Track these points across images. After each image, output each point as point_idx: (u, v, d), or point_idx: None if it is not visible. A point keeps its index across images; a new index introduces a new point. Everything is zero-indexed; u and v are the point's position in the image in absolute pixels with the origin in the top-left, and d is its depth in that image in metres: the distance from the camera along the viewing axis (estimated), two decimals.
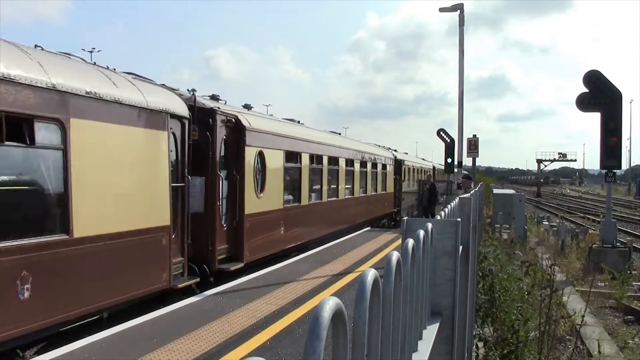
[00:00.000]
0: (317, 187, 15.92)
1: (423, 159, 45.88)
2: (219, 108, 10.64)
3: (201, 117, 9.95)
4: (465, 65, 20.38)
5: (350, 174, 19.06)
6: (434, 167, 40.37)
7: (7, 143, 5.77)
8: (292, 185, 14.03)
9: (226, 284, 9.36)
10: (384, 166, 24.54)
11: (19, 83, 5.87)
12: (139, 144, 8.00)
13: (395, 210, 26.62)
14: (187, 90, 10.37)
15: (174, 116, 8.82)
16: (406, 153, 35.37)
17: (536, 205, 46.05)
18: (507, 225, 19.30)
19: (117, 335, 6.26)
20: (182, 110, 9.17)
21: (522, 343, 5.94)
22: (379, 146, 26.90)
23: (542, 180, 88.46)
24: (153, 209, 8.29)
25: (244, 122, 11.27)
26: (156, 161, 8.38)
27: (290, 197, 13.93)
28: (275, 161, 12.69)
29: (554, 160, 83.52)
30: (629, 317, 10.69)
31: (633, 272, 14.30)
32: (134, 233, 7.76)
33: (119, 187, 7.51)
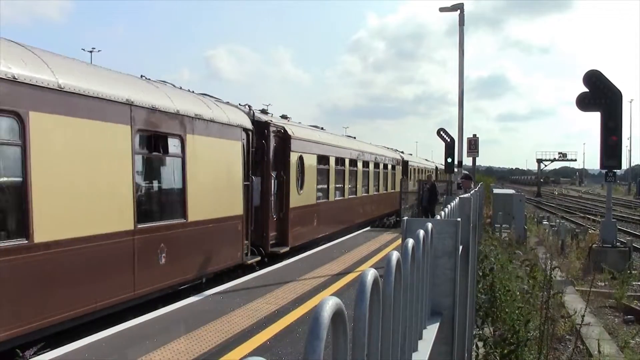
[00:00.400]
0: (340, 185, 18.29)
1: (426, 160, 47.79)
2: (271, 121, 13.11)
3: (258, 128, 12.26)
4: (465, 65, 20.39)
5: (366, 175, 21.57)
6: (436, 168, 41.33)
7: (153, 153, 8.43)
8: (322, 184, 16.34)
9: (226, 283, 9.38)
10: (393, 167, 27.03)
11: (160, 111, 8.42)
12: (225, 151, 10.52)
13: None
14: (239, 104, 12.58)
15: (244, 129, 11.34)
16: (410, 154, 37.93)
17: (536, 205, 46.02)
18: (507, 225, 19.29)
19: (117, 335, 6.27)
20: (248, 124, 11.65)
21: (522, 343, 5.93)
22: (388, 148, 29.34)
23: (542, 180, 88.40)
24: (233, 201, 10.81)
25: (290, 132, 13.66)
26: (235, 165, 10.89)
27: (320, 194, 16.23)
28: (310, 164, 15.10)
29: (554, 160, 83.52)
30: (629, 316, 10.68)
31: (633, 271, 14.29)
32: (223, 220, 10.32)
33: (215, 184, 10.05)
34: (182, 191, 8.96)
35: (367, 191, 21.81)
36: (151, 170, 8.69)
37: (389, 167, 25.88)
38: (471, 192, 7.19)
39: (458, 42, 20.14)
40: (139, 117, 7.89)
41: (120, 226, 7.43)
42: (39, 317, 6.18)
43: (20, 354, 5.52)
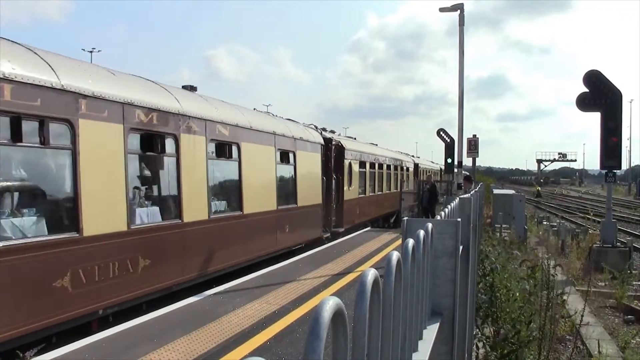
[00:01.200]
0: (372, 183, 23.31)
1: (432, 162, 51.66)
2: (332, 138, 18.40)
3: (324, 142, 17.10)
4: (465, 65, 20.33)
5: (388, 175, 26.65)
6: (441, 169, 43.39)
7: (282, 163, 13.34)
8: (361, 183, 21.18)
9: (226, 284, 9.38)
10: (407, 169, 32.39)
11: (286, 136, 13.60)
12: (312, 160, 15.70)
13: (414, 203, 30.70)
14: (303, 123, 17.15)
15: (320, 144, 16.57)
16: (418, 157, 44.90)
17: (536, 206, 46.01)
18: (507, 225, 19.27)
19: (117, 335, 6.27)
20: (322, 141, 16.92)
21: (522, 343, 5.92)
22: (402, 153, 35.35)
23: (542, 180, 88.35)
24: (317, 194, 15.96)
25: (344, 145, 18.91)
26: (317, 169, 16.11)
27: (361, 190, 21.03)
28: (355, 167, 20.03)
29: (554, 160, 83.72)
30: (629, 316, 10.68)
31: (633, 271, 14.29)
32: (312, 206, 15.43)
33: (308, 182, 15.12)
34: (294, 187, 14.22)
35: (390, 188, 26.65)
36: (281, 173, 13.43)
37: (404, 169, 31.15)
38: (471, 192, 7.18)
39: (458, 42, 20.11)
40: (277, 142, 13.11)
41: (271, 207, 12.73)
42: (248, 255, 11.51)
43: (21, 355, 5.51)
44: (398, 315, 1.36)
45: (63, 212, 6.83)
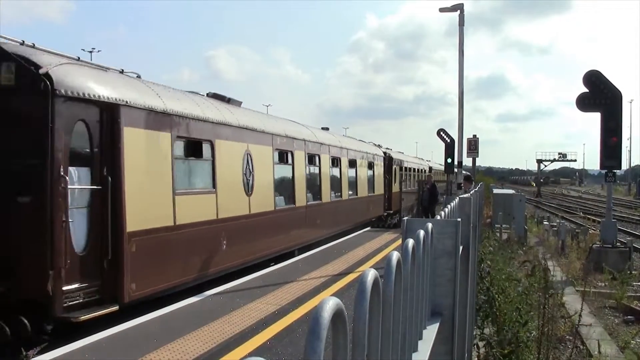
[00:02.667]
0: (404, 181, 30.53)
1: (440, 164, 55.57)
2: (386, 151, 26.70)
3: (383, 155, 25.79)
4: (465, 66, 20.31)
5: (414, 176, 34.29)
6: None
7: (368, 169, 22.78)
8: (399, 181, 28.66)
9: (226, 284, 9.37)
10: (424, 170, 40.20)
11: (369, 153, 23.08)
12: (379, 167, 24.46)
13: None
14: (371, 142, 26.97)
15: (382, 157, 25.26)
16: (429, 160, 52.71)
17: (536, 205, 46.00)
18: (507, 225, 19.27)
19: (117, 335, 6.26)
20: (382, 154, 25.49)
21: (522, 343, 5.93)
22: (419, 158, 46.03)
23: (542, 180, 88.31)
24: (381, 187, 24.71)
25: (392, 156, 27.29)
26: (381, 172, 24.92)
27: (398, 186, 28.22)
28: (397, 170, 28.10)
29: (554, 160, 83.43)
30: (629, 317, 10.67)
31: (633, 272, 14.28)
32: (379, 195, 24.15)
33: (378, 180, 24.21)
34: (373, 182, 22.68)
35: (413, 185, 33.59)
36: (369, 174, 22.11)
37: (422, 170, 39.00)
38: (471, 192, 7.19)
39: (458, 42, 20.08)
40: (366, 156, 21.84)
41: (365, 194, 21.28)
42: (360, 219, 20.69)
43: (24, 353, 5.52)
44: (398, 315, 1.36)
45: (319, 193, 15.87)
